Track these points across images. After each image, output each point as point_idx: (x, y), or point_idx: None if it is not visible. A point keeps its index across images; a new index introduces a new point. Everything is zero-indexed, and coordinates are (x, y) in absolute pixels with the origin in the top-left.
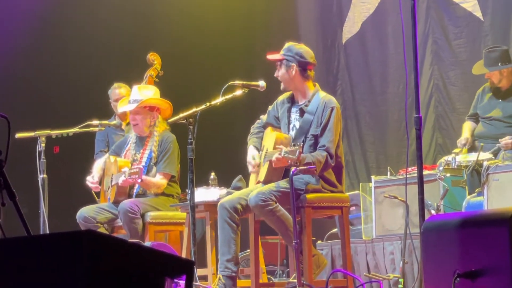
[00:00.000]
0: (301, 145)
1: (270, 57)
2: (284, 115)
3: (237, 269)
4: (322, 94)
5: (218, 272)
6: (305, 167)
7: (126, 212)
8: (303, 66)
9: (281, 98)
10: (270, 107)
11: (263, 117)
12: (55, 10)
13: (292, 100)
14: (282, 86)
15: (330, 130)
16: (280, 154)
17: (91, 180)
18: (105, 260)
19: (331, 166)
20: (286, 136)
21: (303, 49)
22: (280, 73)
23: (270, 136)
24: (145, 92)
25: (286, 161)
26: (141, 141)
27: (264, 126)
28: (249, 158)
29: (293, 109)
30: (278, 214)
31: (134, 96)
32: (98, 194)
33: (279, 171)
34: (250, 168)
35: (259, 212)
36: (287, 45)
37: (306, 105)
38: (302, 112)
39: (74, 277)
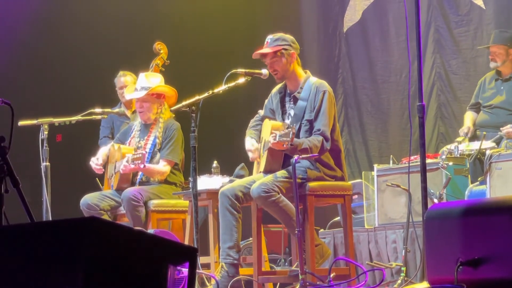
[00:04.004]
0: (294, 126)
1: (266, 50)
2: (278, 106)
3: (239, 257)
4: (314, 79)
5: (220, 260)
6: (307, 155)
7: (129, 200)
8: (297, 52)
9: (274, 90)
10: (266, 101)
11: (261, 112)
12: None
13: (284, 90)
14: (279, 76)
15: (324, 113)
16: (274, 138)
17: (96, 161)
18: (108, 247)
19: (327, 150)
20: (282, 123)
21: (291, 36)
22: (281, 63)
23: (267, 126)
24: (153, 79)
25: (282, 144)
26: (146, 128)
27: (262, 120)
28: (247, 146)
29: (287, 98)
30: (281, 205)
31: (142, 84)
32: (102, 181)
33: (278, 160)
34: (250, 155)
35: (262, 204)
36: (275, 36)
37: (299, 92)
38: (295, 100)
39: (77, 264)
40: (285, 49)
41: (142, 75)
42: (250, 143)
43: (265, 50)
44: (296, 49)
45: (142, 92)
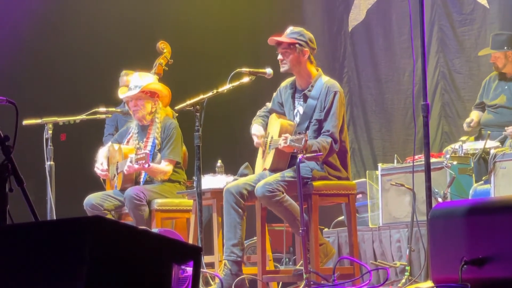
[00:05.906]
0: (307, 133)
1: (282, 39)
2: (288, 100)
3: (243, 254)
4: (325, 78)
5: (223, 257)
6: (312, 154)
7: (132, 199)
8: (312, 52)
9: (284, 83)
10: (274, 94)
11: (269, 104)
12: None
13: (295, 86)
14: (284, 69)
15: (334, 115)
16: (286, 142)
17: (101, 167)
18: (112, 246)
19: (335, 151)
20: (291, 123)
21: (311, 35)
22: (290, 56)
23: (275, 123)
24: (146, 78)
25: (292, 148)
26: (144, 130)
27: (270, 112)
28: (253, 131)
29: (297, 95)
30: (285, 205)
31: (135, 82)
32: (105, 181)
33: (285, 159)
34: (255, 139)
35: (266, 203)
36: (295, 29)
37: (310, 90)
38: (305, 97)
39: (81, 263)
40: (300, 45)
41: (135, 74)
42: (256, 128)
43: (281, 38)
44: (311, 48)
45: (136, 90)
